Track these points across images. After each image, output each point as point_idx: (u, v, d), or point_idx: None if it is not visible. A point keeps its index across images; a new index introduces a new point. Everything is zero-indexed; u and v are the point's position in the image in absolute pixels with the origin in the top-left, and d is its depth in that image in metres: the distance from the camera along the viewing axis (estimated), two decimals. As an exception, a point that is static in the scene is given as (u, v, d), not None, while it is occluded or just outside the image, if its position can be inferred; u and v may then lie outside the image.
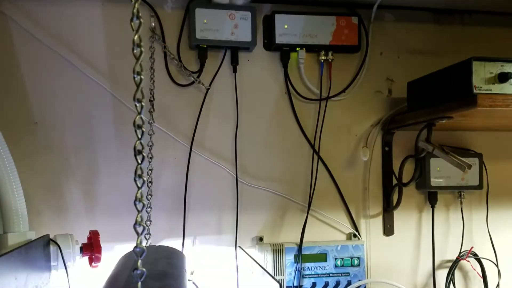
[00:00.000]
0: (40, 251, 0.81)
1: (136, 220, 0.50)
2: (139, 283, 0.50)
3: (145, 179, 0.50)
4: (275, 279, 0.56)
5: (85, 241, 0.91)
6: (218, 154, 1.10)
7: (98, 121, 1.04)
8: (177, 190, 1.07)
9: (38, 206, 0.99)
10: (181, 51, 1.07)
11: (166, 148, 1.06)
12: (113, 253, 1.00)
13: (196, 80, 1.07)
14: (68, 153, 1.02)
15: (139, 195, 0.50)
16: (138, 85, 0.48)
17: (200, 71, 1.07)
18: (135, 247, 0.50)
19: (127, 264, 0.78)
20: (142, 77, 0.48)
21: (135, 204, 0.49)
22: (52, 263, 0.86)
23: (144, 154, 0.50)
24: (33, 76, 1.01)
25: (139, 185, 0.49)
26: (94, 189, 1.04)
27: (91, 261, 0.91)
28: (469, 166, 0.93)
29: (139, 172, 0.49)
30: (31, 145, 1.00)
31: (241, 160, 1.10)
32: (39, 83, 1.01)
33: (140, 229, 0.50)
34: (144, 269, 0.50)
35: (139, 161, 0.49)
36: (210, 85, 1.08)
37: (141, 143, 0.49)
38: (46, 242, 0.85)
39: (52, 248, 0.86)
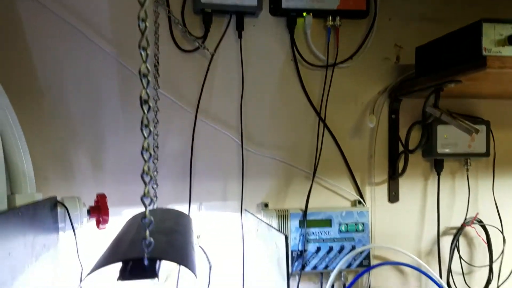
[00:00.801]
0: (47, 211, 0.81)
1: (143, 170, 0.50)
2: (147, 232, 0.51)
3: (151, 129, 0.50)
4: (281, 232, 0.56)
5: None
6: (224, 121, 1.09)
7: (104, 88, 1.03)
8: (183, 156, 1.07)
9: (45, 173, 1.00)
10: (185, 16, 1.06)
11: (171, 115, 1.06)
12: (120, 218, 1.01)
13: (201, 45, 1.05)
14: (75, 120, 1.02)
15: (146, 145, 0.50)
16: (143, 32, 0.47)
17: (204, 37, 1.06)
18: (143, 196, 0.50)
19: (133, 224, 0.79)
20: (147, 24, 0.47)
21: (142, 154, 0.50)
22: (60, 225, 0.87)
23: (151, 104, 0.49)
24: (39, 43, 1.00)
25: (146, 135, 0.49)
26: (101, 155, 1.04)
27: (98, 223, 0.92)
28: (477, 131, 0.93)
29: (145, 122, 0.49)
30: (38, 112, 1.00)
31: (246, 127, 1.10)
32: (45, 50, 1.00)
33: (147, 179, 0.50)
34: (152, 218, 0.51)
35: (145, 111, 0.49)
36: (215, 51, 1.07)
37: (147, 92, 0.49)
38: (54, 203, 0.85)
39: (60, 209, 0.87)
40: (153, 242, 0.52)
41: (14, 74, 0.99)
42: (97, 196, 0.94)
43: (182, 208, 1.06)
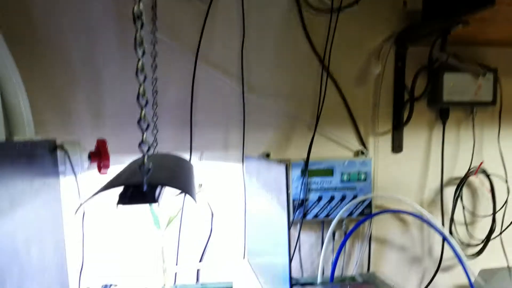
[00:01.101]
0: (46, 153, 0.81)
1: (138, 92, 0.49)
2: (146, 157, 0.50)
3: (145, 47, 0.48)
4: (281, 163, 0.55)
5: (92, 153, 0.91)
6: (224, 69, 1.07)
7: (102, 32, 1.00)
8: (183, 104, 1.05)
9: (43, 118, 0.98)
10: (184, -43, 1.02)
11: (170, 61, 1.03)
12: (121, 166, 1.00)
13: (200, -12, 1.01)
14: (73, 65, 0.99)
15: (140, 66, 0.48)
16: None
17: (204, -21, 1.02)
18: (139, 119, 0.49)
19: (134, 164, 0.78)
20: None
21: (136, 75, 0.48)
22: (60, 168, 0.86)
23: (143, 21, 0.47)
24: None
25: (140, 55, 0.48)
26: (100, 101, 1.02)
27: (99, 168, 0.92)
28: (484, 73, 0.90)
29: (138, 39, 0.47)
30: (35, 57, 0.98)
31: (247, 75, 1.07)
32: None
33: (143, 102, 0.49)
34: (150, 143, 0.50)
35: (139, 28, 0.47)
36: (215, -7, 1.03)
37: (139, 7, 0.47)
38: (53, 146, 0.85)
39: (60, 153, 0.86)
40: (152, 168, 0.51)
41: (11, 19, 0.96)
42: (97, 142, 0.93)
43: (183, 157, 1.05)
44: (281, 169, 0.56)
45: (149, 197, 0.51)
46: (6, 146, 0.59)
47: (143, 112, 0.49)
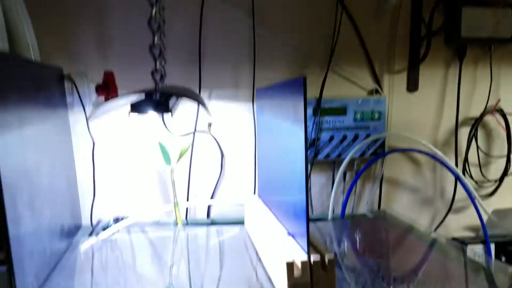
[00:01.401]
0: (53, 81, 0.78)
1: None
2: (157, 62, 0.47)
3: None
4: (298, 77, 0.53)
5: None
6: (234, 1, 1.02)
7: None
8: (191, 38, 1.01)
9: (47, 49, 0.95)
10: None
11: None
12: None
13: None
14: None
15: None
16: None
17: None
18: (149, 18, 0.46)
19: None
20: None
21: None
22: (68, 99, 0.84)
23: None
24: None
25: None
26: (107, 32, 0.98)
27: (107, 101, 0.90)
28: (505, 3, 0.86)
29: None
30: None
31: (258, 8, 1.03)
32: None
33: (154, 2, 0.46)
34: (161, 44, 0.47)
35: None
36: None
37: None
38: (60, 75, 0.82)
39: (67, 84, 0.84)
40: (165, 75, 0.49)
41: None
42: (104, 74, 0.90)
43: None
44: (298, 82, 0.54)
45: (163, 107, 0.49)
46: (12, 59, 0.57)
47: (154, 10, 0.46)
